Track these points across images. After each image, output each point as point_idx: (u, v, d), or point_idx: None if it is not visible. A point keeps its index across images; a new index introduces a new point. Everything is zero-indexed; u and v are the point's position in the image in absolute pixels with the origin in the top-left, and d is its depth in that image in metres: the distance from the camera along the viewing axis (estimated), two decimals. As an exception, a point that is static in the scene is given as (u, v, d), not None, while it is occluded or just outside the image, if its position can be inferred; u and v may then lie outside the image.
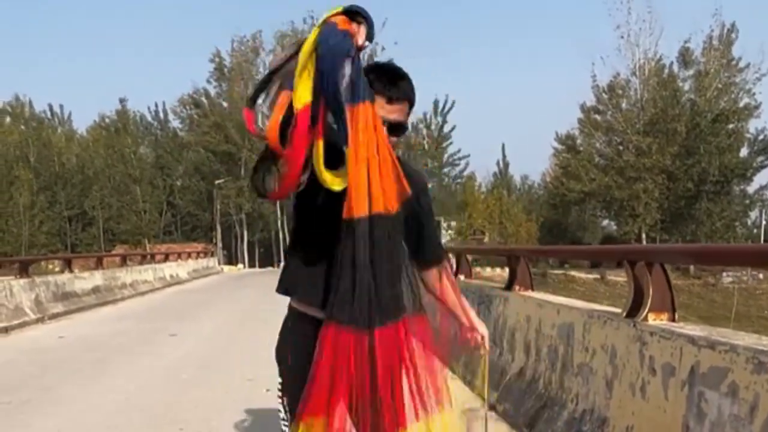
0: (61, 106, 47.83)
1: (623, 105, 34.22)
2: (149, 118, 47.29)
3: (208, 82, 43.55)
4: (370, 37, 1.45)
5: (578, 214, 43.00)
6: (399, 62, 1.92)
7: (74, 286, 11.95)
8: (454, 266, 7.10)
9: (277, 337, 1.91)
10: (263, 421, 4.08)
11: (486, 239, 36.56)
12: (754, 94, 32.60)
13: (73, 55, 75.30)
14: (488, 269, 28.71)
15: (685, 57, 33.33)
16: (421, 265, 1.91)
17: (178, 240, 41.46)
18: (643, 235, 32.99)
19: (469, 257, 7.70)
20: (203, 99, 43.63)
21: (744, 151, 33.81)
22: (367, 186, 1.52)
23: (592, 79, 34.52)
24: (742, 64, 32.66)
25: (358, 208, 1.52)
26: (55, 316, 10.35)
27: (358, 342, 1.55)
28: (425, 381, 1.66)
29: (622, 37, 33.84)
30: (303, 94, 1.42)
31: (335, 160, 1.50)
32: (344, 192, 1.52)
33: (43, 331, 9.19)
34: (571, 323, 3.54)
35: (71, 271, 12.48)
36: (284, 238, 39.13)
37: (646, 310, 2.88)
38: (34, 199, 40.16)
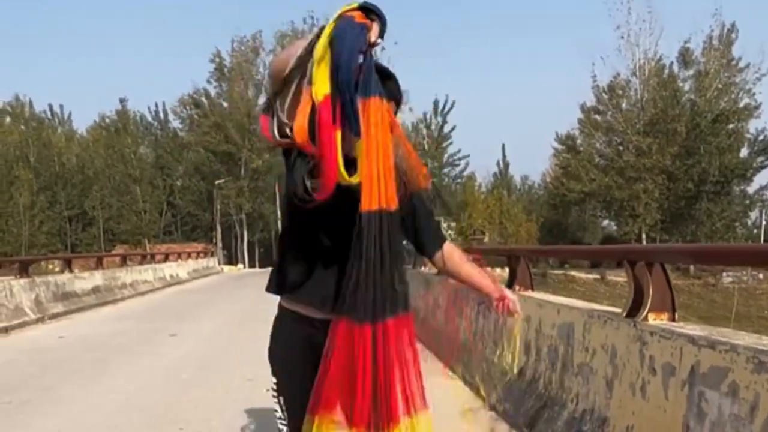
0: (61, 106, 47.99)
1: (623, 105, 34.23)
2: (149, 118, 47.39)
3: (208, 82, 43.65)
4: (382, 34, 1.46)
5: (578, 214, 43.02)
6: (399, 62, 1.93)
7: (74, 286, 11.95)
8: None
9: (275, 337, 1.91)
10: (263, 421, 4.08)
11: (486, 239, 36.57)
12: (754, 94, 32.65)
13: (73, 55, 75.48)
14: (488, 269, 28.68)
15: (685, 57, 33.34)
16: (429, 253, 1.96)
17: (178, 240, 41.46)
18: (643, 236, 32.99)
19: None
20: (203, 99, 43.63)
21: (744, 152, 33.81)
22: (378, 180, 1.53)
23: (592, 79, 34.60)
24: (742, 64, 32.70)
25: (371, 201, 1.53)
26: (55, 316, 10.35)
27: (369, 335, 1.57)
28: (414, 378, 1.66)
29: (622, 37, 33.91)
30: (321, 85, 1.41)
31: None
32: (344, 186, 1.52)
33: (43, 331, 9.18)
34: (571, 323, 3.54)
35: (71, 271, 12.47)
36: (284, 238, 38.98)
37: (646, 309, 2.88)
38: (34, 199, 40.18)
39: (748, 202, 35.95)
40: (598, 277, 29.50)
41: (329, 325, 1.64)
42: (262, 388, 4.67)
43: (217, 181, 40.72)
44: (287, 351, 1.84)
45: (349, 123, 1.45)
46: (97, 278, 13.19)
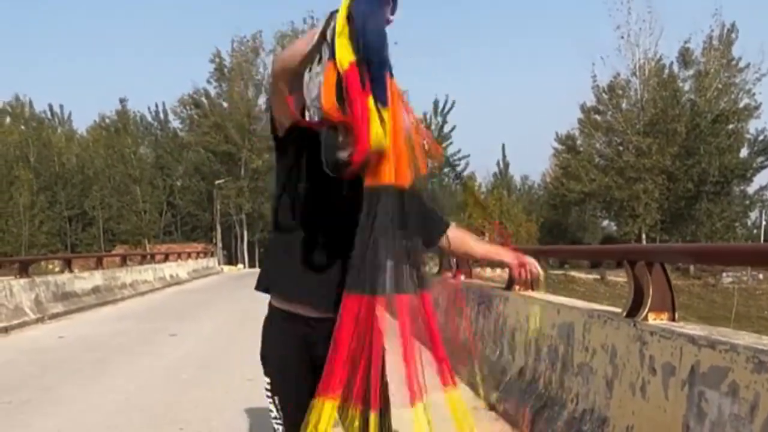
0: (61, 106, 48.01)
1: (623, 105, 34.26)
2: (149, 119, 47.43)
3: (208, 82, 43.68)
4: (393, 11, 1.42)
5: (578, 214, 43.06)
6: (399, 62, 1.91)
7: (74, 286, 11.95)
8: (455, 266, 7.11)
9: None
10: (263, 421, 4.06)
11: (486, 239, 36.53)
12: (754, 94, 32.71)
13: (73, 55, 75.52)
14: (488, 269, 28.71)
15: (685, 57, 33.36)
16: (435, 240, 1.95)
17: (178, 240, 41.47)
18: (643, 236, 33.02)
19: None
20: (203, 99, 43.65)
21: (744, 152, 33.85)
22: (395, 156, 1.49)
23: (592, 80, 34.65)
24: (742, 65, 32.74)
25: (399, 175, 1.49)
26: (55, 316, 10.35)
27: (374, 307, 1.51)
28: (428, 360, 1.60)
29: (622, 37, 33.95)
30: (345, 54, 1.37)
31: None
32: (342, 167, 1.47)
33: (43, 331, 9.18)
34: (571, 323, 3.54)
35: (71, 271, 12.47)
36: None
37: (646, 309, 2.88)
38: (34, 199, 40.20)
39: (748, 202, 35.99)
40: (598, 277, 29.52)
41: (325, 324, 1.62)
42: (262, 388, 4.67)
43: (217, 181, 40.73)
44: (281, 351, 1.82)
45: (378, 87, 1.40)
46: (97, 278, 13.19)
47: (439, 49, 77.72)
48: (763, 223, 36.86)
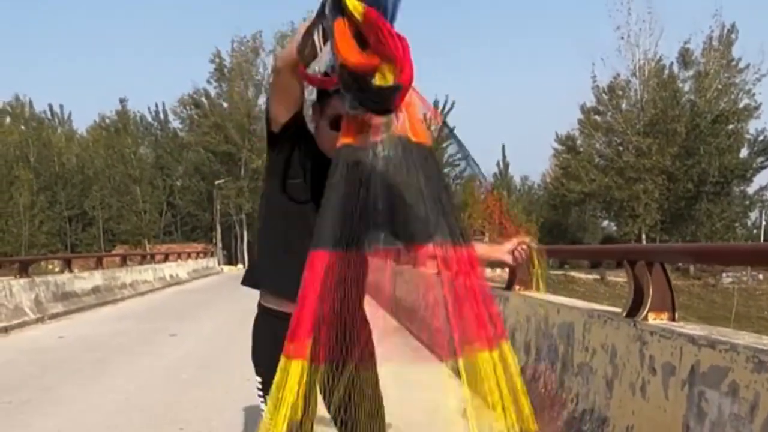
0: (61, 106, 47.96)
1: (623, 106, 34.25)
2: (149, 119, 47.39)
3: (208, 82, 43.60)
4: None
5: (578, 214, 43.06)
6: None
7: (74, 286, 11.96)
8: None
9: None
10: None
11: (486, 240, 36.56)
12: (754, 94, 32.67)
13: (73, 55, 75.48)
14: (488, 269, 28.70)
15: (685, 57, 33.35)
16: (414, 244, 1.80)
17: (178, 240, 41.47)
18: (643, 236, 33.00)
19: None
20: (203, 99, 43.60)
21: (744, 152, 33.82)
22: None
23: (592, 80, 34.62)
24: (742, 65, 32.70)
25: (417, 133, 1.47)
26: (55, 316, 10.35)
27: (347, 263, 1.46)
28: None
29: (622, 37, 33.92)
30: (356, 4, 1.33)
31: None
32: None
33: (43, 331, 9.18)
34: (572, 323, 3.54)
35: (71, 271, 12.48)
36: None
37: (646, 309, 2.88)
38: (34, 199, 40.18)
39: (747, 202, 35.97)
40: (598, 277, 29.50)
41: None
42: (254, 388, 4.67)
43: (217, 182, 40.72)
44: (272, 350, 1.82)
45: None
46: (97, 278, 13.19)
47: (439, 49, 77.54)
48: (763, 223, 36.87)
